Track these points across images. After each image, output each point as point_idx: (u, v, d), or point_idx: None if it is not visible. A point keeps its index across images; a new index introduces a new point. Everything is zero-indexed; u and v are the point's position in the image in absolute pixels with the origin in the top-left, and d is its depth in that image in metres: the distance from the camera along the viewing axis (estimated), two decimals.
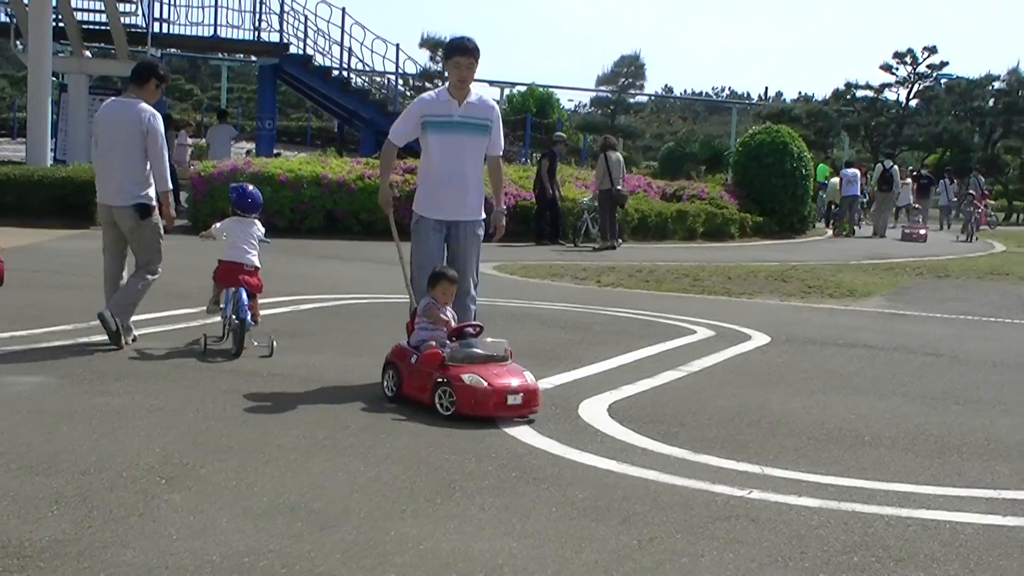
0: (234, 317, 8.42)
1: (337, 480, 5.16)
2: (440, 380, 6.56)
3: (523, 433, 6.27)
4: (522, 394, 6.54)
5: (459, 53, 7.47)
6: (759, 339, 10.24)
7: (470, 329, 6.98)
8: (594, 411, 6.91)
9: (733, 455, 5.97)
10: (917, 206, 29.81)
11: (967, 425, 7.02)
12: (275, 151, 29.81)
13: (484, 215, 7.77)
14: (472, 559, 4.17)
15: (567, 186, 23.67)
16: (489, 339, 6.98)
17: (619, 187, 21.66)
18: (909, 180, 35.61)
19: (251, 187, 9.28)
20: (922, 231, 28.79)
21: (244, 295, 8.47)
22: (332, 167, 21.42)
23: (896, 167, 32.84)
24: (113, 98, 9.03)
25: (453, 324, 7.07)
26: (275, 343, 8.49)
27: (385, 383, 7.02)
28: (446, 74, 7.63)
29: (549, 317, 11.20)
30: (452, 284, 7.24)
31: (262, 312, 9.16)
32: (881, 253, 23.86)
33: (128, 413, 6.30)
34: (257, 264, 8.87)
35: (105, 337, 8.40)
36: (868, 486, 5.50)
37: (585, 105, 70.62)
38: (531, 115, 40.01)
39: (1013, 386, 8.51)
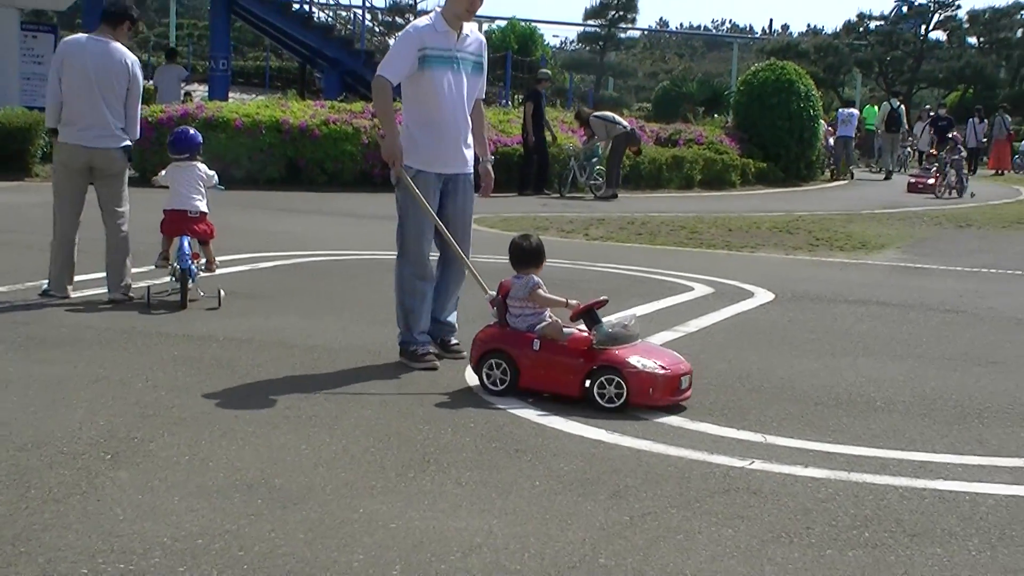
0: (176, 266, 8.74)
1: (300, 454, 5.17)
2: (598, 368, 6.20)
3: (503, 401, 6.28)
4: (688, 376, 6.38)
5: None
6: (762, 296, 10.27)
7: (595, 306, 6.55)
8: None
9: (733, 423, 5.99)
10: (933, 151, 29.66)
11: (989, 388, 7.05)
12: (230, 94, 29.67)
13: None
14: (447, 538, 4.18)
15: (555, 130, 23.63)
16: (615, 316, 6.70)
17: (627, 127, 22.30)
18: (925, 123, 35.79)
19: (184, 128, 9.74)
20: (930, 181, 27.10)
21: (186, 244, 8.79)
22: (293, 112, 21.30)
23: (903, 107, 33.06)
24: (83, 35, 9.29)
25: (571, 303, 6.56)
26: (223, 294, 8.83)
27: (486, 374, 6.49)
28: (446, 2, 7.16)
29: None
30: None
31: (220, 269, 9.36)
32: (897, 202, 23.91)
33: (69, 383, 6.29)
34: (203, 209, 9.18)
35: (42, 299, 8.53)
36: (880, 455, 5.53)
37: (572, 41, 70.42)
38: (512, 53, 39.79)
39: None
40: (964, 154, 28.71)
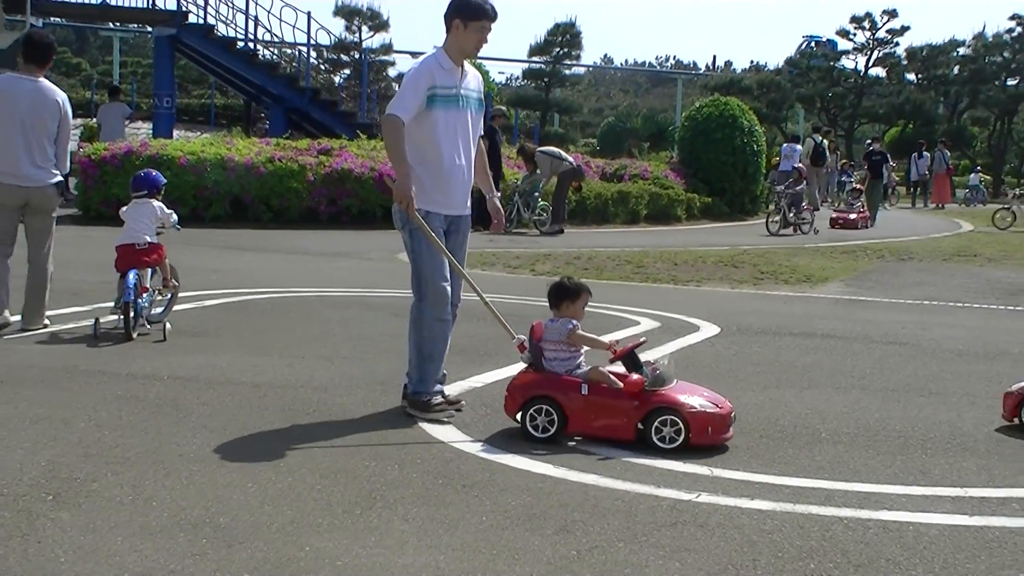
0: (120, 301, 8.94)
1: (246, 492, 5.13)
2: (654, 410, 6.15)
3: (451, 436, 6.27)
4: (733, 414, 6.39)
5: (489, 18, 6.82)
6: (708, 330, 10.32)
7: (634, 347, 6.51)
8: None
9: (680, 456, 6.00)
10: (859, 187, 29.90)
11: (932, 419, 7.12)
12: (174, 132, 29.54)
13: None
14: (394, 575, 4.16)
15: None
16: (652, 359, 6.57)
17: (573, 163, 22.55)
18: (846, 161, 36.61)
19: (148, 169, 10.16)
20: (852, 216, 27.10)
21: (131, 278, 8.93)
22: (239, 149, 21.26)
23: (826, 141, 33.69)
24: (11, 73, 9.38)
25: (612, 344, 6.60)
26: (169, 327, 8.98)
27: (531, 421, 6.29)
28: (446, 36, 6.83)
29: (479, 309, 11.14)
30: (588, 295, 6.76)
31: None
32: (840, 235, 24.14)
33: (9, 423, 6.21)
34: (150, 240, 9.34)
35: None
36: (825, 486, 5.57)
37: (517, 78, 70.60)
38: None
39: (980, 376, 8.65)
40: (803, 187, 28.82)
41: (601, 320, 10.62)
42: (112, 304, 9.28)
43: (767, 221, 24.37)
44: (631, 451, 6.07)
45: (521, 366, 6.63)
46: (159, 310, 9.46)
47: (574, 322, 6.47)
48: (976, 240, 23.73)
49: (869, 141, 39.79)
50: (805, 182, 25.82)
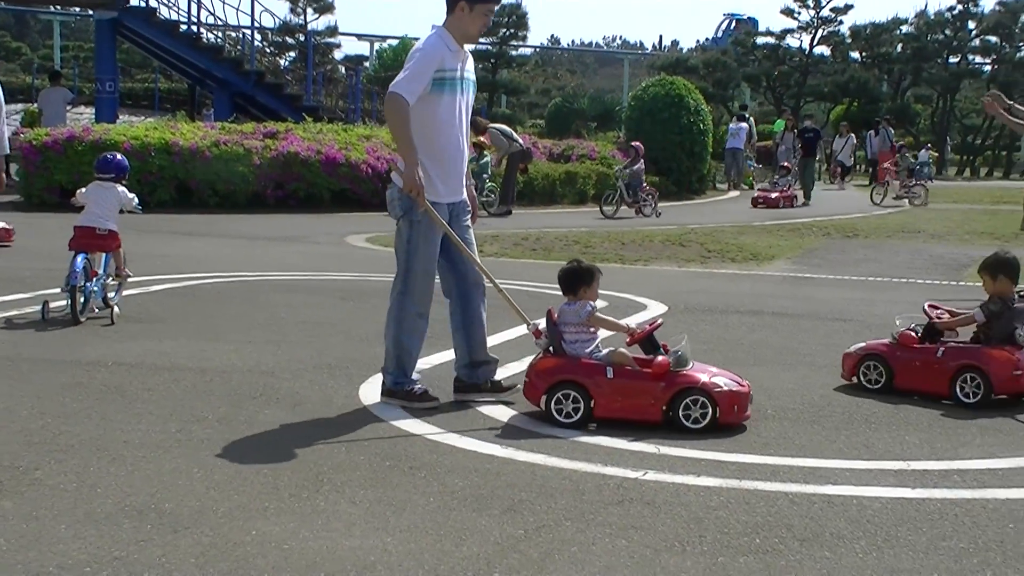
0: (67, 284, 8.90)
1: (192, 478, 5.11)
2: (682, 391, 6.17)
3: (398, 418, 6.28)
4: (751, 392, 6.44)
5: (495, 1, 6.72)
6: (655, 309, 10.36)
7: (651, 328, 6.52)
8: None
9: (627, 435, 6.03)
10: (786, 164, 29.98)
11: (876, 394, 7.18)
12: (118, 116, 29.27)
13: None
14: (341, 558, 4.16)
15: None
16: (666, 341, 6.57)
17: (523, 145, 22.42)
18: (845, 139, 36.92)
19: (115, 153, 10.03)
20: (774, 195, 26.79)
21: (79, 261, 8.90)
22: (183, 133, 21.09)
23: (744, 124, 34.13)
24: None
25: (631, 327, 6.61)
26: (117, 311, 9.02)
27: (556, 406, 6.25)
28: (447, 17, 6.64)
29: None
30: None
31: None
32: (787, 214, 24.28)
33: None
34: (111, 227, 9.30)
35: None
36: (771, 462, 5.61)
37: None
38: None
39: None
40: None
41: (549, 301, 10.61)
42: (61, 287, 9.21)
43: (601, 205, 22.84)
44: (579, 429, 6.10)
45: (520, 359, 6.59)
46: (111, 295, 9.37)
47: (592, 304, 6.45)
48: (920, 217, 23.94)
49: (846, 123, 40.21)
50: (752, 159, 25.78)
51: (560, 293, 6.72)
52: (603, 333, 6.62)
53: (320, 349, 8.15)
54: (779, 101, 56.50)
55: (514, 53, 55.46)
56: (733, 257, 15.28)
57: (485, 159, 22.26)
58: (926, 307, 7.46)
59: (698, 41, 72.62)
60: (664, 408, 6.20)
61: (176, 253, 13.93)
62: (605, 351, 6.42)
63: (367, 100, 38.79)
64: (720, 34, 71.45)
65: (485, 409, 6.56)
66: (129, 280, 9.82)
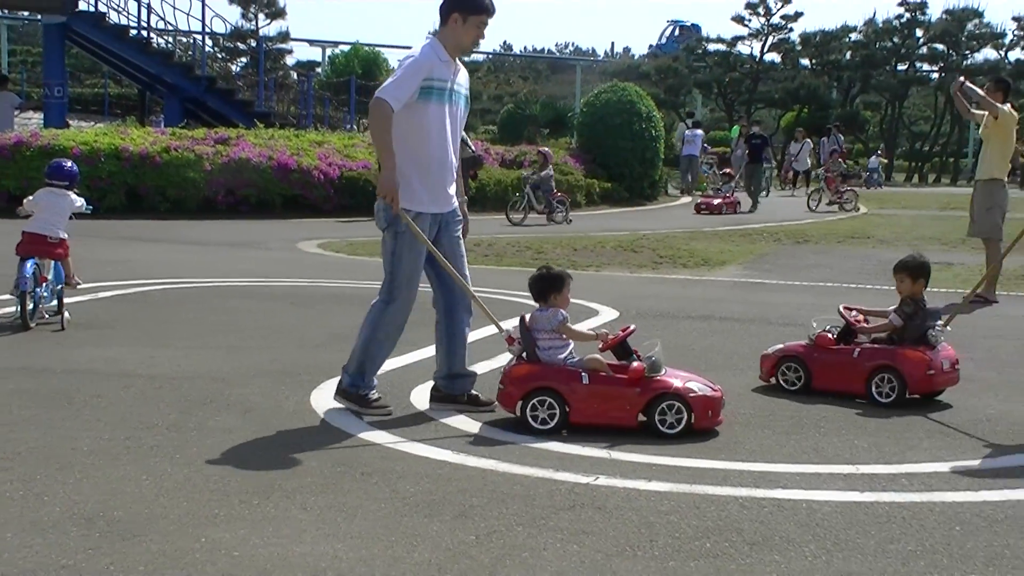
0: (17, 289, 8.84)
1: (141, 485, 5.07)
2: (657, 396, 6.18)
3: (350, 424, 6.26)
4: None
5: (489, 13, 6.62)
6: (607, 314, 10.38)
7: (623, 335, 6.49)
8: (427, 397, 6.93)
9: (579, 440, 6.04)
10: (728, 171, 30.10)
11: (825, 398, 7.23)
12: (67, 121, 29.03)
13: None
14: (292, 565, 4.15)
15: None
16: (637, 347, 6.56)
17: (475, 151, 22.27)
18: (801, 144, 37.10)
19: (69, 160, 10.08)
20: (716, 201, 26.69)
21: (28, 266, 8.83)
22: (133, 138, 20.99)
23: (699, 131, 34.53)
24: None
25: (600, 334, 6.54)
26: (68, 316, 8.99)
27: (531, 414, 6.22)
28: (440, 28, 6.59)
29: (368, 297, 11.13)
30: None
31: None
32: (738, 219, 24.42)
33: None
34: (62, 236, 9.27)
35: None
36: (722, 467, 5.64)
37: None
38: (356, 77, 39.71)
39: None
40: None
41: (501, 307, 10.63)
42: (10, 292, 9.15)
43: (508, 211, 22.29)
44: (531, 435, 6.11)
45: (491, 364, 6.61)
46: (53, 303, 9.28)
47: (563, 313, 6.43)
48: (870, 223, 24.14)
49: (800, 129, 40.42)
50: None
51: (531, 300, 6.71)
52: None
53: (271, 355, 8.12)
54: (730, 107, 56.89)
55: (466, 59, 55.54)
56: (685, 263, 15.35)
57: None
58: (841, 309, 7.60)
59: (650, 46, 72.83)
60: (639, 414, 6.22)
61: (126, 259, 13.84)
62: (580, 358, 6.42)
63: (319, 106, 38.67)
64: (664, 40, 71.80)
65: (437, 415, 6.55)
66: (79, 287, 9.75)
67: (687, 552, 4.43)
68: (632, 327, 6.61)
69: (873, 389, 7.19)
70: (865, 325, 7.57)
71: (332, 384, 7.14)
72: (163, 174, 20.24)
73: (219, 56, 45.69)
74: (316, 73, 50.43)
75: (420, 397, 6.94)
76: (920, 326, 7.33)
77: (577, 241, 17.80)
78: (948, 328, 7.64)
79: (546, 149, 23.99)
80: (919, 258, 7.65)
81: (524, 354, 6.45)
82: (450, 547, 4.39)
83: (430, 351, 8.38)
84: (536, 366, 6.38)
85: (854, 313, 7.58)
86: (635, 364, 6.29)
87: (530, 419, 6.22)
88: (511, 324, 6.74)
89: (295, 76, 49.29)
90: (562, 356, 6.40)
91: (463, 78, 6.76)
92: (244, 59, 49.32)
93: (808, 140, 38.07)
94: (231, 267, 13.48)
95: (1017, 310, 11.64)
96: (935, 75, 57.61)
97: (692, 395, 6.21)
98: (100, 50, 31.99)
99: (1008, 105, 12.26)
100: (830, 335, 7.47)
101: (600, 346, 6.48)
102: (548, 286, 6.54)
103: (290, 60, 56.02)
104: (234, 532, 4.48)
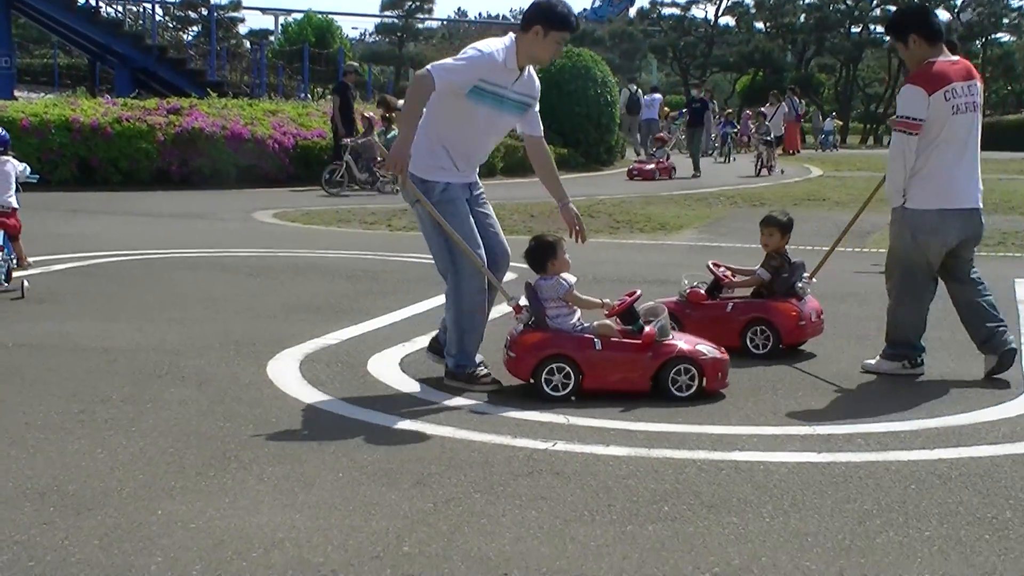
0: None
1: (95, 459, 5.04)
2: (670, 360, 6.22)
3: (306, 394, 6.23)
4: None
5: (568, 29, 6.51)
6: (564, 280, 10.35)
7: (628, 300, 6.48)
8: (384, 366, 6.92)
9: (537, 407, 6.04)
10: (662, 135, 29.91)
11: (781, 360, 7.27)
12: (15, 93, 28.70)
13: None
14: (249, 536, 4.13)
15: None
16: (644, 306, 6.55)
17: None
18: (777, 107, 36.75)
19: None
20: (650, 167, 26.16)
21: None
22: (84, 110, 20.76)
23: (640, 91, 34.49)
24: None
25: (606, 303, 6.50)
26: (27, 285, 8.92)
27: (546, 381, 6.20)
28: (519, 33, 6.39)
29: (334, 267, 11.13)
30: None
31: None
32: (694, 184, 24.46)
33: None
34: (15, 205, 9.31)
35: None
36: (680, 430, 5.66)
37: (370, 33, 70.03)
38: (310, 45, 39.49)
39: (830, 317, 8.83)
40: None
41: None
42: None
43: (323, 182, 20.61)
44: (489, 402, 6.12)
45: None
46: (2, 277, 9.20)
47: (569, 281, 6.39)
48: (825, 185, 24.22)
49: (774, 92, 40.18)
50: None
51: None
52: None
53: (227, 327, 8.07)
54: (685, 72, 56.92)
55: (421, 26, 55.26)
56: (641, 227, 15.38)
57: (392, 133, 22.08)
58: (710, 265, 7.74)
59: (584, 10, 72.24)
60: (651, 378, 6.26)
61: (78, 232, 13.72)
62: (588, 324, 6.42)
63: (272, 75, 38.42)
64: (598, 3, 70.81)
65: (395, 383, 6.53)
66: (30, 262, 9.69)
67: (645, 516, 4.44)
68: (638, 292, 6.59)
69: (748, 342, 7.40)
70: (733, 280, 7.76)
71: (288, 354, 7.14)
72: (115, 145, 20.06)
73: (170, 25, 45.26)
74: (269, 42, 50.14)
75: (377, 366, 6.92)
76: (788, 280, 7.58)
77: (534, 207, 17.75)
78: (814, 280, 7.85)
79: (371, 114, 22.09)
80: (787, 213, 8.00)
81: (532, 321, 6.42)
82: (408, 515, 4.38)
83: (390, 319, 8.42)
84: (548, 333, 6.35)
85: (722, 269, 7.70)
86: (647, 329, 6.30)
87: (544, 386, 6.21)
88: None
89: (248, 45, 48.97)
90: (572, 322, 6.40)
91: (528, 87, 6.60)
92: (195, 28, 48.94)
93: (783, 103, 37.24)
94: (185, 238, 13.39)
95: None
96: (888, 38, 57.87)
97: (703, 357, 6.27)
98: (48, 20, 31.66)
99: None
100: (701, 291, 7.60)
101: (607, 313, 6.47)
102: (543, 254, 6.51)
103: (242, 29, 55.65)
104: (190, 504, 4.45)
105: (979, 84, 7.03)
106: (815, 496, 4.70)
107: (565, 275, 6.42)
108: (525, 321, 6.43)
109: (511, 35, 6.48)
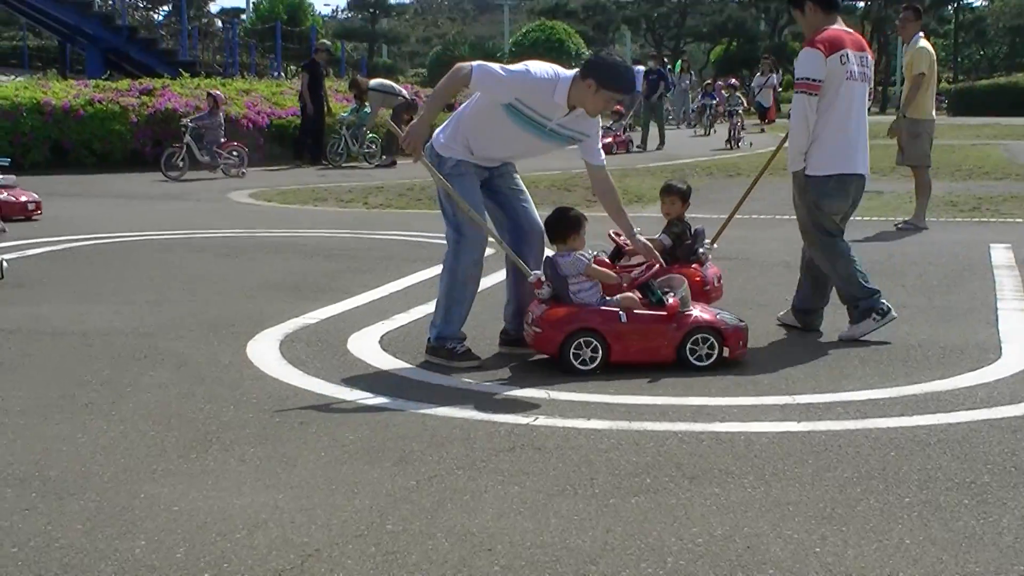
0: None
1: (76, 443, 5.02)
2: (692, 330, 6.29)
3: (286, 374, 6.22)
4: None
5: (625, 91, 6.51)
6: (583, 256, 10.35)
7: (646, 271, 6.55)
8: (364, 344, 6.92)
9: (518, 382, 6.06)
10: (619, 108, 29.52)
11: (760, 330, 7.26)
12: None
13: None
14: (231, 517, 4.13)
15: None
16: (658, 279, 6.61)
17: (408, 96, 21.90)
18: (767, 77, 36.30)
19: None
20: (606, 140, 25.48)
21: None
22: (55, 92, 20.64)
23: (640, 67, 34.14)
24: None
25: (622, 276, 6.57)
26: (6, 265, 8.90)
27: (574, 355, 6.23)
28: (575, 80, 6.29)
29: (312, 245, 11.12)
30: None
31: None
32: (671, 155, 24.48)
33: None
34: None
35: None
36: (660, 402, 5.67)
37: (343, 9, 69.70)
38: (282, 23, 39.30)
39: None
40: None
41: (435, 250, 10.59)
42: None
43: (163, 165, 19.02)
44: (471, 378, 6.13)
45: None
46: None
47: (588, 256, 6.43)
48: None
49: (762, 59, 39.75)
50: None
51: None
52: None
53: (204, 308, 8.05)
54: (659, 43, 56.84)
55: (393, 2, 55.04)
56: None
57: (365, 110, 22.04)
58: (611, 234, 7.66)
59: None
60: (676, 348, 6.32)
61: (53, 215, 13.65)
62: (610, 297, 6.44)
63: (244, 53, 38.22)
64: None
65: (375, 361, 6.53)
66: (4, 232, 9.67)
67: (627, 488, 4.46)
68: (656, 264, 6.62)
69: None
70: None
71: (268, 335, 7.13)
72: (88, 127, 19.97)
73: (140, 5, 44.96)
74: (240, 20, 49.86)
75: (357, 345, 6.92)
76: (690, 246, 7.58)
77: (570, 181, 17.77)
78: (715, 246, 7.97)
79: (217, 92, 20.89)
80: (686, 183, 7.94)
81: (552, 296, 6.42)
82: (391, 493, 4.39)
83: (368, 296, 8.42)
84: (573, 308, 6.36)
85: (622, 238, 7.68)
86: (670, 300, 6.36)
87: (573, 360, 6.23)
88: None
89: (219, 23, 48.71)
90: (596, 297, 6.42)
91: (577, 124, 6.51)
92: (166, 7, 48.65)
93: (773, 74, 36.44)
94: (161, 219, 13.34)
95: (946, 236, 11.78)
96: (861, 3, 57.91)
97: (725, 327, 6.35)
98: (15, 1, 31.38)
99: (922, 36, 12.46)
100: (604, 259, 7.55)
101: (626, 286, 6.49)
102: (566, 227, 6.52)
103: (213, 7, 55.42)
104: (172, 487, 4.45)
105: (870, 57, 7.39)
106: (796, 465, 4.72)
107: (581, 252, 6.45)
108: (546, 296, 6.43)
109: (573, 73, 6.44)
